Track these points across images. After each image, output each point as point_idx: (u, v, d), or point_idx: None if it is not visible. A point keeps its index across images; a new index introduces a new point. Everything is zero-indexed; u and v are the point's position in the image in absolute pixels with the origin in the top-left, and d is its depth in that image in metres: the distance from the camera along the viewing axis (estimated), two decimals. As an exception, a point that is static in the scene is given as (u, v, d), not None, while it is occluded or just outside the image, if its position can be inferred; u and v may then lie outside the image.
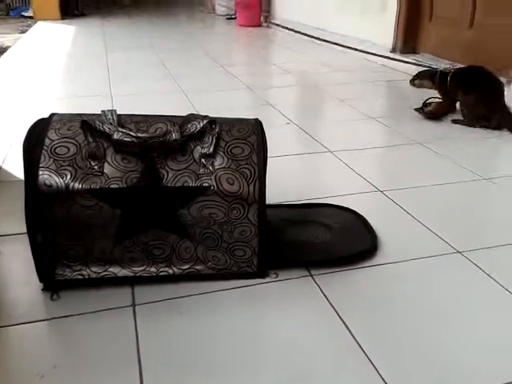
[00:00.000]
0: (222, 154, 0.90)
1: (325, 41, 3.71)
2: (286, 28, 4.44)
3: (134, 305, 0.88)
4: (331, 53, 3.46)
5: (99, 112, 0.91)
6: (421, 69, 2.65)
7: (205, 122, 0.90)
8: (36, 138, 0.87)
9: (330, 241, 1.05)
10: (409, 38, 2.93)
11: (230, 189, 0.89)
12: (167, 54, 3.35)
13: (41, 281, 0.91)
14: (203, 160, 0.89)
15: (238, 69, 2.96)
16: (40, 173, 0.85)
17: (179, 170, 0.89)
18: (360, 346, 0.79)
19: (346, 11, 3.48)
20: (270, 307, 0.89)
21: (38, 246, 0.88)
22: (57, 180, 0.85)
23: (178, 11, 6.77)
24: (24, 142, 0.87)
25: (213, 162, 0.90)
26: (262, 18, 4.85)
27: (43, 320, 0.85)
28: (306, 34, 4.03)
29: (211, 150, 0.90)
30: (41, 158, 0.86)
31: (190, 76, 2.72)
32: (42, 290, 0.91)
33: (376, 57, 3.09)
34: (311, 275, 0.96)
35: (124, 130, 0.87)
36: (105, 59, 3.13)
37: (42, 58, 3.30)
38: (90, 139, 0.87)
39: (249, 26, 4.73)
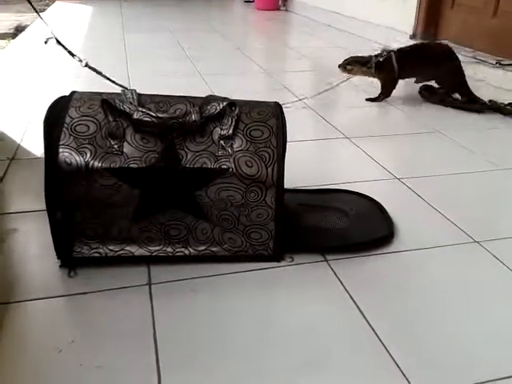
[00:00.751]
0: (241, 136, 0.90)
1: (343, 26, 3.66)
2: (304, 12, 4.38)
3: (150, 284, 0.89)
4: (349, 38, 3.41)
5: (118, 91, 0.91)
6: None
7: (224, 103, 0.90)
8: (56, 116, 0.87)
9: (346, 227, 1.05)
10: (430, 25, 2.87)
11: (248, 171, 0.88)
12: (184, 35, 3.33)
13: (58, 258, 0.92)
14: (222, 142, 0.89)
15: (255, 52, 2.94)
16: (60, 150, 0.85)
17: (198, 152, 0.88)
18: (374, 332, 0.79)
19: (366, -4, 3.42)
20: (285, 291, 0.89)
21: (57, 223, 0.89)
22: (77, 158, 0.85)
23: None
24: (44, 119, 0.88)
25: (232, 144, 0.89)
26: (280, 2, 4.79)
27: (61, 296, 0.86)
28: (323, 19, 3.98)
29: (230, 131, 0.89)
30: (61, 136, 0.86)
31: (207, 58, 2.70)
32: (60, 266, 0.92)
33: (395, 42, 3.04)
34: (326, 260, 0.96)
35: (144, 110, 0.87)
36: (122, 40, 3.12)
37: (60, 38, 3.30)
38: (110, 118, 0.87)
39: (267, 10, 4.68)
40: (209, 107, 0.90)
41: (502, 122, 1.75)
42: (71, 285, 0.88)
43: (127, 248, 0.92)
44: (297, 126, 1.64)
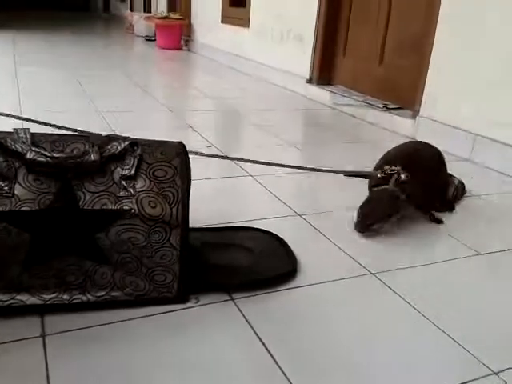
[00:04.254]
0: (144, 176, 0.88)
1: (244, 68, 3.80)
2: (206, 53, 4.49)
3: (43, 335, 0.82)
4: (250, 80, 3.54)
5: (9, 130, 0.86)
6: (336, 99, 2.81)
7: (126, 143, 0.88)
8: None
9: (250, 264, 1.06)
10: (324, 70, 3.08)
11: (151, 212, 0.87)
12: (82, 72, 3.25)
13: None
14: (124, 182, 0.87)
15: (157, 90, 2.94)
16: None
17: (97, 192, 0.85)
18: (280, 368, 0.79)
19: (264, 40, 3.59)
20: (191, 333, 0.87)
21: None
22: (-40, 201, 0.78)
23: (95, 30, 6.62)
24: None
25: (134, 184, 0.87)
26: (182, 42, 4.87)
27: None
28: (225, 61, 4.10)
29: (132, 171, 0.87)
30: None
31: (106, 96, 2.65)
32: None
33: (294, 86, 3.21)
34: (232, 299, 0.96)
35: (38, 150, 0.82)
36: (14, 76, 2.96)
37: None
38: (1, 158, 0.82)
39: (168, 49, 4.73)
40: (109, 147, 0.87)
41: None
42: (-48, 341, 0.79)
43: (18, 297, 0.85)
44: (201, 164, 1.65)
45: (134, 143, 0.89)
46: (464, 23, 2.04)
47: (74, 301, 0.88)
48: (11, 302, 0.85)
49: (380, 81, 2.71)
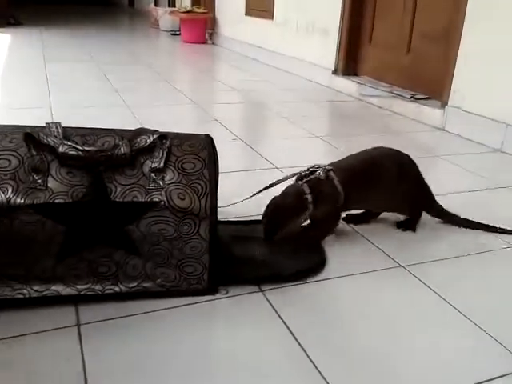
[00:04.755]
0: (172, 168, 0.89)
1: (269, 60, 3.79)
2: (231, 46, 4.49)
3: (78, 324, 0.84)
4: (275, 72, 3.53)
5: (41, 124, 0.88)
6: (363, 90, 2.77)
7: (155, 136, 0.89)
8: (-26, 150, 0.82)
9: (279, 256, 1.06)
10: (350, 61, 3.04)
11: (180, 204, 0.87)
12: (109, 66, 3.29)
13: (-23, 302, 0.86)
14: (153, 175, 0.88)
15: (183, 84, 2.95)
16: (-22, 186, 0.80)
17: (128, 185, 0.86)
18: (310, 359, 0.79)
19: (288, 32, 3.57)
20: (221, 324, 0.88)
21: (-26, 264, 0.83)
22: (-4, 194, 0.80)
23: (121, 24, 6.69)
24: (-40, 153, 0.82)
25: (163, 176, 0.88)
26: (206, 35, 4.88)
27: (-21, 343, 0.80)
28: (249, 53, 4.09)
29: (162, 164, 0.88)
30: (-21, 171, 0.81)
31: (133, 90, 2.68)
32: (-22, 311, 0.85)
33: (319, 77, 3.19)
34: (261, 290, 0.96)
35: (69, 143, 0.84)
36: (44, 70, 3.02)
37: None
38: (34, 152, 0.84)
39: (193, 43, 4.75)
40: (139, 140, 0.88)
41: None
42: (-8, 330, 0.82)
43: (53, 288, 0.87)
44: (227, 156, 1.66)
45: (163, 136, 0.90)
46: (494, 11, 1.98)
47: (107, 291, 0.89)
48: (47, 292, 0.87)
49: (407, 70, 2.67)
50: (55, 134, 0.86)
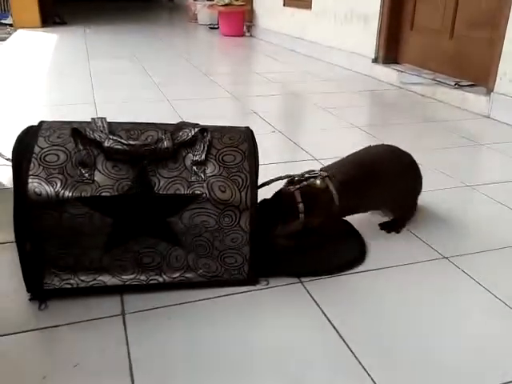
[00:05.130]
0: (213, 161, 0.91)
1: (307, 51, 3.75)
2: (269, 37, 4.48)
3: (123, 313, 0.87)
4: (313, 62, 3.50)
5: (86, 119, 0.91)
6: (404, 78, 2.71)
7: (196, 129, 0.91)
8: (25, 146, 0.86)
9: (319, 248, 1.06)
10: (390, 48, 2.98)
11: (221, 196, 0.89)
12: (150, 62, 3.35)
13: (28, 290, 0.90)
14: (195, 167, 0.90)
15: (222, 78, 2.97)
16: (29, 181, 0.84)
17: (171, 178, 0.88)
18: (349, 348, 0.79)
19: (327, 21, 3.53)
20: (262, 314, 0.89)
21: (27, 254, 0.87)
22: (47, 188, 0.84)
23: (160, 19, 6.78)
24: (13, 149, 0.86)
25: (204, 169, 0.90)
26: (244, 28, 4.88)
27: (32, 330, 0.84)
28: (287, 44, 4.07)
29: (203, 157, 0.90)
30: (30, 166, 0.85)
31: (174, 84, 2.72)
32: (30, 299, 0.89)
33: (358, 66, 3.14)
34: (301, 282, 0.97)
35: (115, 138, 0.86)
36: (88, 67, 3.11)
37: (24, 66, 3.27)
38: (81, 147, 0.87)
39: (231, 36, 4.76)
40: (180, 133, 0.90)
41: (462, 142, 1.82)
42: (42, 318, 0.86)
43: (99, 278, 0.91)
44: (267, 149, 1.66)
45: (204, 129, 0.92)
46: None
47: (151, 282, 0.92)
48: (93, 282, 0.91)
49: (451, 56, 2.59)
50: (101, 128, 0.88)
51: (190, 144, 0.90)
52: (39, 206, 0.84)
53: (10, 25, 5.38)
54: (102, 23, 5.70)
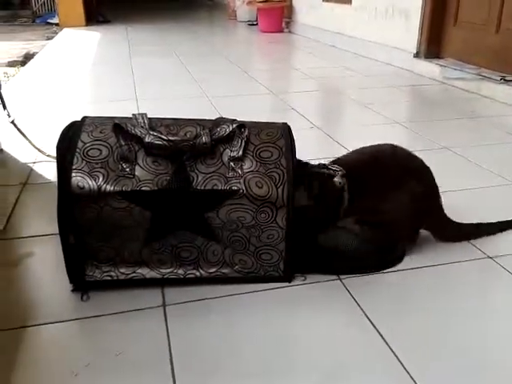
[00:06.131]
0: (250, 157, 0.91)
1: (346, 46, 3.71)
2: (307, 33, 4.44)
3: (164, 305, 0.89)
4: (353, 58, 3.45)
5: (128, 115, 0.93)
6: (447, 73, 2.64)
7: (234, 125, 0.91)
8: (69, 141, 0.89)
9: (357, 248, 1.04)
10: (433, 43, 2.90)
11: (258, 192, 0.89)
12: (189, 59, 3.39)
13: (71, 282, 0.93)
14: (232, 163, 0.90)
15: (260, 74, 2.97)
16: (73, 175, 0.86)
17: (208, 173, 0.89)
18: (390, 348, 0.78)
19: (367, 16, 3.47)
20: (299, 310, 0.89)
21: (70, 246, 0.90)
22: (89, 182, 0.86)
23: (200, 17, 6.84)
24: (57, 144, 0.89)
25: (242, 165, 0.90)
26: (283, 24, 4.86)
27: (75, 320, 0.86)
28: (326, 40, 4.03)
29: (240, 153, 0.90)
30: (74, 160, 0.87)
31: (213, 81, 2.74)
32: (73, 290, 0.92)
33: (399, 61, 3.08)
34: (339, 278, 0.96)
35: (155, 133, 0.88)
36: (129, 64, 3.18)
37: (69, 63, 3.37)
38: (122, 142, 0.89)
39: (270, 32, 4.75)
40: (218, 129, 0.91)
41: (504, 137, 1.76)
42: (85, 308, 0.89)
43: (139, 271, 0.93)
44: (305, 145, 1.65)
45: (241, 125, 0.92)
46: None
47: (188, 275, 0.93)
48: (133, 275, 0.93)
49: (496, 51, 2.50)
50: (141, 124, 0.90)
51: (228, 140, 0.91)
52: (82, 200, 0.86)
53: (57, 24, 5.57)
54: (143, 22, 5.80)
